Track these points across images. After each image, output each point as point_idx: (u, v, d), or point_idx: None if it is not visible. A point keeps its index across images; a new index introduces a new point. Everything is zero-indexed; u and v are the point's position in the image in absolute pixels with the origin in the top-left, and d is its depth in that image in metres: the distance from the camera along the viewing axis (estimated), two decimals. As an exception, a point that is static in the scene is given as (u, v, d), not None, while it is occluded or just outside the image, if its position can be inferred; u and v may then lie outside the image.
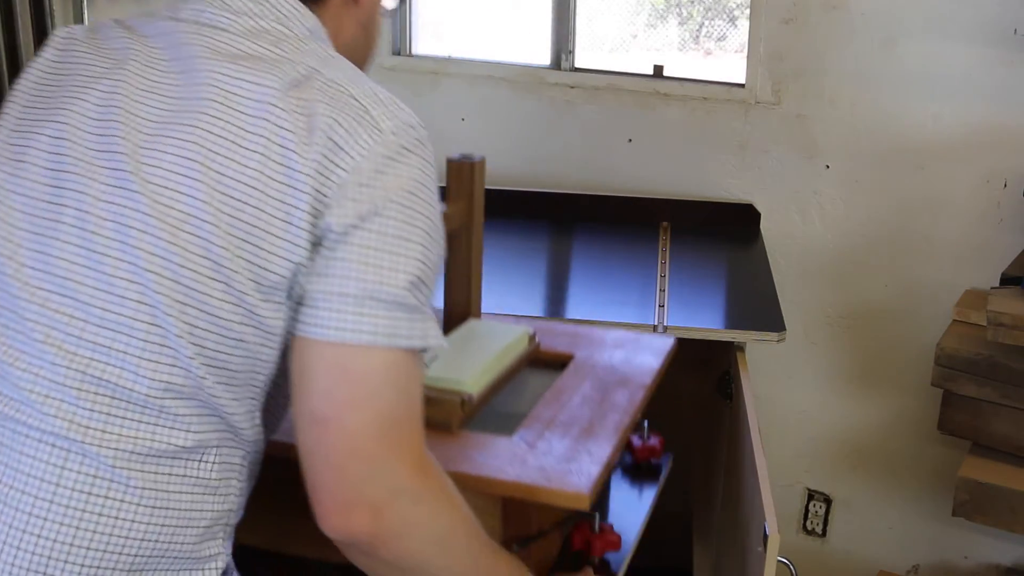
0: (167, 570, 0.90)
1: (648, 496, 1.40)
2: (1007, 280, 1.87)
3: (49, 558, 0.85)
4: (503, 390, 1.29)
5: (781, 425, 2.33)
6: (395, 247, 0.88)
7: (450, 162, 1.36)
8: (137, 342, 0.86)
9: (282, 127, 0.87)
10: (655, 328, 1.74)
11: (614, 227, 2.24)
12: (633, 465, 1.44)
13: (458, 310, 1.42)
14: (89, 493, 0.86)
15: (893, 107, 2.11)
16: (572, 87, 2.32)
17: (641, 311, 1.79)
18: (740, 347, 1.77)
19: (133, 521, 0.86)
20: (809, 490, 2.40)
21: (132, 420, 0.86)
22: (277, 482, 0.99)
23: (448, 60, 2.43)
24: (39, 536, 0.85)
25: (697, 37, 2.46)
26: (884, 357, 2.25)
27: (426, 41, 2.51)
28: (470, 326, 1.38)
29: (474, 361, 1.26)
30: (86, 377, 0.86)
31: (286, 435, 0.96)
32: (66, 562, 0.85)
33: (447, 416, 1.16)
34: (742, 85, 2.22)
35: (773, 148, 2.22)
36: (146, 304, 0.86)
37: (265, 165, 0.86)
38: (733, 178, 2.26)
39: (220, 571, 0.94)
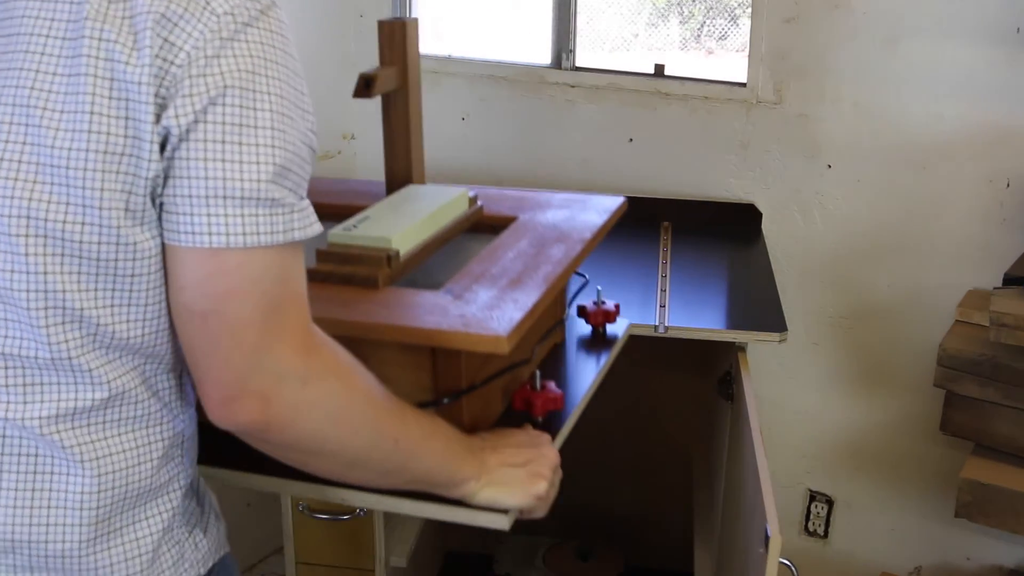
0: (132, 509, 0.90)
1: (602, 360, 1.36)
2: (1010, 280, 1.87)
3: (14, 526, 0.86)
4: (439, 252, 1.26)
5: (783, 426, 2.33)
6: (241, 137, 0.82)
7: (381, 24, 1.33)
8: (23, 311, 0.83)
9: (105, 39, 0.80)
10: (655, 328, 1.73)
11: (614, 227, 2.23)
12: (592, 333, 1.41)
13: (398, 177, 1.37)
14: (35, 456, 0.86)
15: (895, 106, 2.10)
16: (573, 86, 2.32)
17: (642, 311, 1.79)
18: (741, 347, 1.76)
19: (81, 477, 0.86)
20: (811, 491, 2.40)
21: (49, 384, 0.85)
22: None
23: (448, 60, 2.43)
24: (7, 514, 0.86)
25: (698, 36, 2.46)
26: (886, 357, 2.24)
27: (426, 41, 2.50)
28: (408, 190, 1.35)
29: (404, 220, 1.22)
30: None
31: None
32: (30, 526, 0.86)
33: (372, 272, 1.13)
34: (744, 84, 2.21)
35: (775, 148, 2.21)
36: (19, 271, 0.82)
37: (98, 86, 0.80)
38: (734, 178, 2.25)
39: (183, 490, 0.95)
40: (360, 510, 1.69)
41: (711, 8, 2.44)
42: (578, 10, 2.36)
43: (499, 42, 2.53)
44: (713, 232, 2.21)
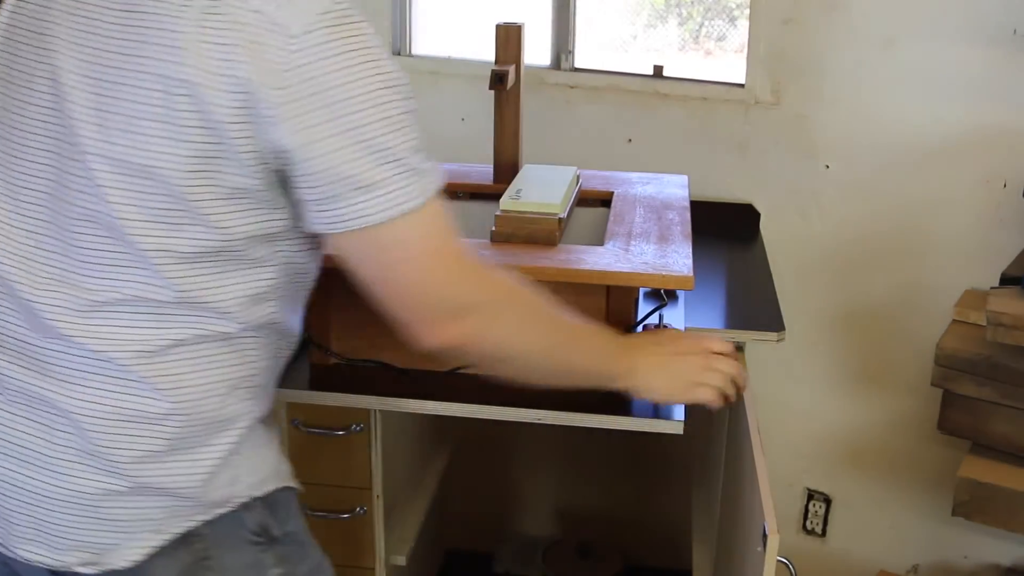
0: (200, 435, 1.02)
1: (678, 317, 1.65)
2: (1007, 280, 1.87)
3: (105, 433, 0.99)
4: (570, 218, 1.56)
5: (781, 425, 2.33)
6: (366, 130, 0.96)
7: (497, 27, 1.74)
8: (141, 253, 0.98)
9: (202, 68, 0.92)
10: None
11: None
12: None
13: (507, 159, 1.78)
14: (124, 391, 0.99)
15: (893, 107, 2.11)
16: (572, 87, 2.32)
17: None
18: (740, 347, 1.77)
19: (164, 401, 1.00)
20: (809, 490, 2.40)
21: (150, 327, 0.99)
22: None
23: (448, 60, 2.43)
24: (98, 424, 0.99)
25: (697, 37, 2.46)
26: (884, 357, 2.25)
27: (426, 41, 2.51)
28: (531, 169, 1.72)
29: (556, 191, 1.55)
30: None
31: None
32: (117, 433, 0.99)
33: (549, 233, 1.44)
34: (742, 85, 2.22)
35: (773, 148, 2.22)
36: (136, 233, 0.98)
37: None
38: (733, 178, 2.26)
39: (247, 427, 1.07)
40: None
41: (709, 9, 2.45)
42: (577, 11, 2.36)
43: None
44: (711, 232, 2.21)
